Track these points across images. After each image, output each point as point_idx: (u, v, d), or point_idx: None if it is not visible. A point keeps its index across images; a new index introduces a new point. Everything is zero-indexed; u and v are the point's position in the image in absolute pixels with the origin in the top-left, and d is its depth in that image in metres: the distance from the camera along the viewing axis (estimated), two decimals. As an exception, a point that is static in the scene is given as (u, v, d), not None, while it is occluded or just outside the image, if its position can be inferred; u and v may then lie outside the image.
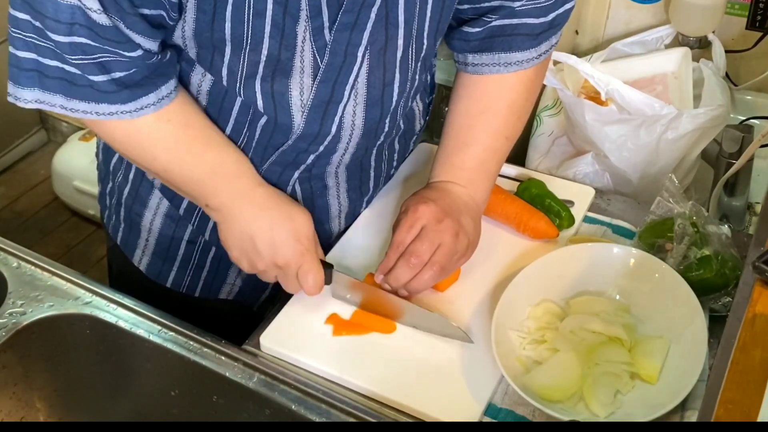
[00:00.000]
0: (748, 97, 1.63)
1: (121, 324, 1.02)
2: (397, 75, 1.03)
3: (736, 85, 1.66)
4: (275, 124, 1.03)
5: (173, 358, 1.00)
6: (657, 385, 0.96)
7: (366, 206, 1.23)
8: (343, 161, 1.11)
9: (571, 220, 1.19)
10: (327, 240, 1.19)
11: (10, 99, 0.94)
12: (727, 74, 1.62)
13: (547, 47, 1.12)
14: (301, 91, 0.99)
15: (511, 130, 1.14)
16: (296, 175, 1.10)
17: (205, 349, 0.99)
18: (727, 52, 1.61)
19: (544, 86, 1.64)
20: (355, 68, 0.98)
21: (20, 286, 1.06)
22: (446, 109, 2.16)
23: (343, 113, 1.02)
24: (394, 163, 1.24)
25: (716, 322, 1.01)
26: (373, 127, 1.07)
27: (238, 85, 0.99)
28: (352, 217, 1.21)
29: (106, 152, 1.20)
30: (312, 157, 1.08)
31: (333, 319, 1.06)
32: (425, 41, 1.03)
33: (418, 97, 1.17)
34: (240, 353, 0.99)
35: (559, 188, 1.24)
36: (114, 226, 1.22)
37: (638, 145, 1.35)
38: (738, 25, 1.66)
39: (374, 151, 1.15)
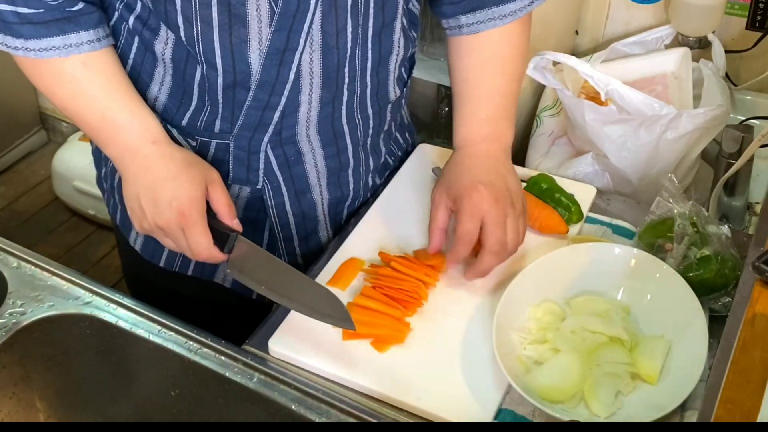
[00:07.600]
0: (748, 97, 1.63)
1: (121, 324, 1.02)
2: (349, 20, 1.04)
3: (736, 85, 1.66)
4: (235, 79, 1.04)
5: (173, 358, 1.00)
6: (658, 386, 0.96)
7: (352, 181, 1.22)
8: (311, 120, 1.10)
9: (580, 215, 1.19)
10: (312, 211, 1.19)
11: None
12: (727, 74, 1.63)
13: None
14: (260, 41, 1.00)
15: (520, 72, 1.18)
16: (266, 138, 1.10)
17: (205, 349, 0.99)
18: (727, 52, 1.61)
19: (543, 86, 1.64)
20: (309, 15, 1.00)
21: (20, 286, 1.06)
22: (445, 109, 2.14)
23: (300, 60, 1.03)
24: (370, 131, 1.20)
25: (716, 322, 1.01)
26: (332, 75, 1.07)
27: (196, 37, 1.00)
28: (335, 186, 1.20)
29: None
30: (277, 114, 1.08)
31: None
32: None
33: (394, 61, 1.15)
34: (240, 353, 0.99)
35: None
36: (113, 208, 1.25)
37: (638, 145, 1.35)
38: (738, 25, 1.66)
39: (344, 113, 1.13)
